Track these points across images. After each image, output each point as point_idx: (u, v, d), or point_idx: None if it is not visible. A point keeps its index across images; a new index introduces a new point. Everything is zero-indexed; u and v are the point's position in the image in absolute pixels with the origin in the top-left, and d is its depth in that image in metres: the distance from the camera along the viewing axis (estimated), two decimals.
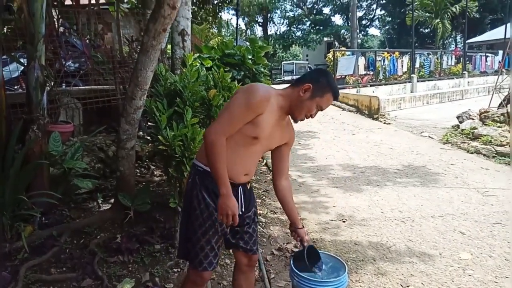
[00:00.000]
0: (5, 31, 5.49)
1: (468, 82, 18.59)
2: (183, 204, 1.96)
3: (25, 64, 3.63)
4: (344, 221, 3.87)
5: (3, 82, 3.39)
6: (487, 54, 21.97)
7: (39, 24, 3.38)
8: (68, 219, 3.41)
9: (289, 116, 1.88)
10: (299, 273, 2.00)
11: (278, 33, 38.05)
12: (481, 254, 3.14)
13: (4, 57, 4.14)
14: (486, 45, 26.57)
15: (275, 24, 39.22)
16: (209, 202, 1.81)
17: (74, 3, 7.62)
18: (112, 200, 3.65)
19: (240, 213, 1.87)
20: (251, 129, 1.74)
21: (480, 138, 6.92)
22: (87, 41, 6.42)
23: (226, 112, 1.74)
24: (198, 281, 1.92)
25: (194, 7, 11.03)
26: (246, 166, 1.87)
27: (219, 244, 1.90)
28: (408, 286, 2.71)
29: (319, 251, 2.11)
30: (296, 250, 3.20)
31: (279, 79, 31.01)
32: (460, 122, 8.17)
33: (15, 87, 5.38)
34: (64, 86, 5.26)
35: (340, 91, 14.02)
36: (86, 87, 5.56)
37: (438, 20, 24.80)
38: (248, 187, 1.97)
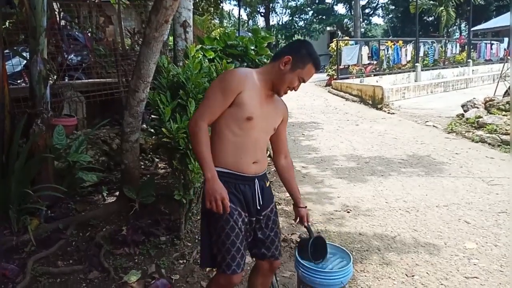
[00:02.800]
0: (6, 25, 5.49)
1: (473, 70, 18.41)
2: (201, 210, 1.86)
3: (28, 58, 3.63)
4: (348, 212, 3.87)
5: (6, 76, 3.39)
6: (492, 42, 21.67)
7: (41, 17, 3.37)
8: (74, 212, 3.43)
9: None
10: (304, 263, 2.01)
11: (280, 23, 37.66)
12: (486, 243, 3.14)
13: (7, 51, 4.15)
14: (492, 33, 26.20)
15: (277, 14, 38.88)
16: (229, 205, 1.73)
17: None
18: (117, 193, 3.67)
19: (258, 208, 1.83)
20: (239, 110, 1.70)
21: (485, 127, 6.87)
22: (88, 34, 6.39)
23: (204, 99, 1.75)
24: (228, 286, 1.79)
25: None
26: (251, 153, 1.79)
27: (244, 244, 1.80)
28: (413, 276, 2.72)
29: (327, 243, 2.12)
30: (302, 237, 3.21)
31: None
32: (465, 111, 8.10)
33: (18, 81, 5.39)
34: (67, 80, 5.26)
35: (344, 81, 14.02)
36: (89, 80, 5.56)
37: (442, 7, 24.44)
38: (267, 184, 1.92)
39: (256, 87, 1.74)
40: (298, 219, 2.11)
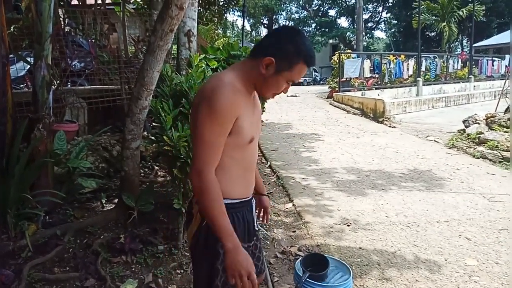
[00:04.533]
0: (11, 30, 5.53)
1: (474, 86, 18.50)
2: (197, 260, 1.54)
3: (32, 63, 3.64)
4: (348, 225, 3.84)
5: (10, 81, 3.40)
6: (493, 58, 21.83)
7: (47, 23, 3.39)
8: (72, 219, 3.41)
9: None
10: (302, 275, 1.98)
11: None
12: (487, 260, 3.10)
13: (11, 56, 4.17)
14: (493, 49, 26.41)
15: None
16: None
17: (80, 3, 7.66)
18: (116, 200, 3.65)
19: (256, 229, 1.63)
20: (239, 137, 1.39)
21: (486, 143, 6.86)
22: (93, 41, 6.44)
23: (199, 140, 1.34)
24: None
25: (199, 8, 11.05)
26: (252, 173, 1.59)
27: None
28: None
29: (325, 256, 2.09)
30: (300, 253, 3.18)
31: None
32: (466, 127, 8.11)
33: (21, 85, 5.41)
34: (69, 86, 5.28)
35: (345, 93, 14.07)
36: (92, 86, 5.58)
37: (444, 23, 24.68)
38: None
39: (246, 98, 1.43)
40: (261, 211, 1.87)
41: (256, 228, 1.64)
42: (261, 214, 1.89)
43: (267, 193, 1.93)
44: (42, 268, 2.70)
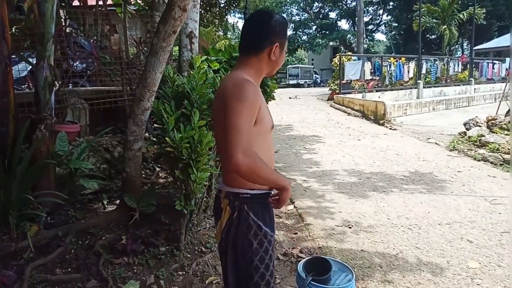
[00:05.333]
0: (13, 30, 5.53)
1: (475, 89, 18.52)
2: (226, 249, 1.59)
3: (34, 64, 3.64)
4: (350, 227, 3.83)
5: (12, 81, 3.40)
6: (494, 61, 21.87)
7: (49, 24, 3.39)
8: (74, 220, 3.40)
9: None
10: (305, 278, 1.98)
11: None
12: (490, 263, 3.10)
13: (13, 56, 4.17)
14: (493, 52, 26.45)
15: None
16: (266, 231, 1.55)
17: (82, 4, 7.67)
18: (118, 201, 3.64)
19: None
20: (261, 126, 1.53)
21: (488, 146, 6.87)
22: (95, 42, 6.44)
23: (236, 129, 1.42)
24: None
25: (201, 10, 11.06)
26: (272, 161, 1.69)
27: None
28: None
29: (327, 258, 2.08)
30: (302, 255, 3.18)
31: (284, 83, 31.07)
32: (467, 129, 8.11)
33: (23, 86, 5.41)
34: (71, 87, 5.28)
35: (346, 95, 14.12)
36: (93, 87, 5.58)
37: (445, 26, 24.70)
38: None
39: (259, 91, 1.58)
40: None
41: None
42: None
43: None
44: (44, 269, 2.69)
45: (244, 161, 1.39)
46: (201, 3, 10.66)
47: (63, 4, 6.83)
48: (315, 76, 34.74)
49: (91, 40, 6.33)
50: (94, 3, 8.04)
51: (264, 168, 1.46)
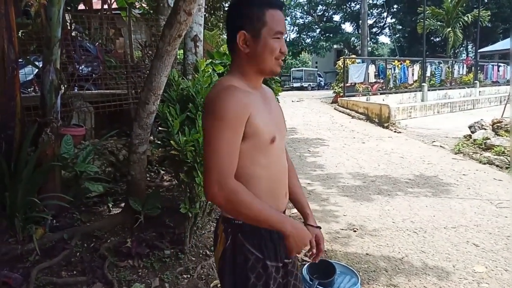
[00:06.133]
0: (20, 34, 5.59)
1: (480, 91, 18.44)
2: (223, 277, 1.35)
3: (40, 67, 3.67)
4: (355, 231, 3.82)
5: (19, 85, 3.42)
6: (499, 64, 21.76)
7: (56, 28, 3.42)
8: (79, 222, 3.41)
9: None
10: (311, 283, 1.97)
11: (287, 40, 38.10)
12: (496, 267, 3.07)
13: (20, 60, 4.20)
14: (499, 55, 26.32)
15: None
16: (266, 264, 1.31)
17: (87, 8, 7.73)
18: (122, 204, 3.65)
19: (286, 261, 1.41)
20: (256, 138, 1.26)
21: (493, 149, 6.82)
22: (100, 45, 6.49)
23: (210, 152, 1.21)
24: None
25: (205, 13, 11.11)
26: (283, 182, 1.41)
27: None
28: None
29: (332, 262, 2.08)
30: (306, 259, 3.17)
31: (288, 86, 31.08)
32: (472, 132, 8.07)
33: (28, 89, 5.45)
34: (76, 90, 5.32)
35: (350, 98, 14.12)
36: (99, 91, 5.61)
37: (449, 29, 24.64)
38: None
39: (252, 95, 1.29)
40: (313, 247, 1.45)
41: (286, 261, 1.41)
42: (313, 250, 1.45)
43: None
44: (49, 272, 2.70)
45: (219, 194, 1.18)
46: (206, 7, 10.71)
47: (69, 8, 6.89)
48: (319, 79, 34.73)
49: (96, 44, 6.38)
50: (99, 7, 8.11)
51: (248, 204, 1.19)
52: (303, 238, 1.27)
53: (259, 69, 1.31)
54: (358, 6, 32.65)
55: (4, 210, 2.98)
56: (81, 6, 8.03)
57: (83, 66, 5.64)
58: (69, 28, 6.29)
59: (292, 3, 36.33)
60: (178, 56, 6.79)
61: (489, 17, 25.68)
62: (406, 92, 16.03)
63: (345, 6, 36.12)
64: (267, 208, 1.23)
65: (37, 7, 5.33)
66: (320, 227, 1.54)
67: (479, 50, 22.48)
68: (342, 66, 15.74)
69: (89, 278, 2.67)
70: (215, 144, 1.20)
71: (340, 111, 13.93)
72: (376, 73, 16.31)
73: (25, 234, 2.95)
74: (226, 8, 12.86)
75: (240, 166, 1.25)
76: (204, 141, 1.24)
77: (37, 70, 4.87)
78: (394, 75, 16.34)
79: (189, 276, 2.83)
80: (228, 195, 1.19)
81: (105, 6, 8.29)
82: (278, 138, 1.32)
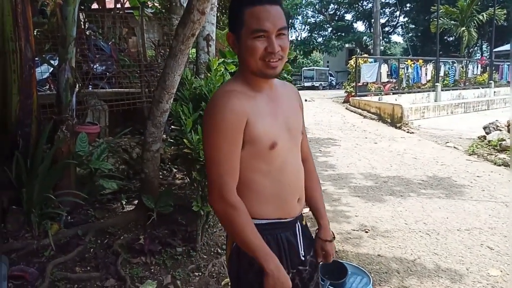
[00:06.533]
0: (35, 33, 5.68)
1: (495, 92, 18.13)
2: (232, 275, 1.36)
3: (56, 66, 3.73)
4: (366, 232, 3.80)
5: (36, 83, 3.49)
6: None
7: (71, 27, 3.47)
8: (93, 219, 3.46)
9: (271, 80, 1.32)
10: (323, 283, 1.97)
11: (299, 39, 38.04)
12: None
13: (36, 59, 4.28)
14: None
15: (296, 30, 39.22)
16: None
17: (100, 7, 7.83)
18: (136, 202, 3.69)
19: (302, 258, 1.37)
20: (255, 145, 1.23)
21: (508, 150, 6.71)
22: (114, 44, 6.56)
23: (209, 162, 1.21)
24: None
25: (217, 12, 11.14)
26: (294, 187, 1.35)
27: None
28: None
29: (343, 262, 2.07)
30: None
31: (299, 85, 31.01)
32: (487, 133, 7.95)
33: (44, 87, 5.55)
34: (91, 88, 5.39)
35: (362, 98, 14.00)
36: (113, 89, 5.68)
37: (463, 28, 24.26)
38: (304, 222, 1.45)
39: (252, 98, 1.24)
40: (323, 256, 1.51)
41: (302, 258, 1.37)
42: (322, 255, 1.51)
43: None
44: (64, 267, 2.75)
45: (218, 206, 1.20)
46: (218, 6, 10.74)
47: (83, 7, 6.97)
48: (330, 79, 34.58)
49: (110, 43, 6.45)
50: (112, 6, 8.20)
51: (241, 226, 1.19)
52: (282, 283, 1.21)
53: (251, 71, 1.24)
54: (370, 5, 32.36)
55: (21, 206, 3.04)
56: (95, 5, 8.13)
57: (97, 65, 5.71)
58: (83, 27, 6.37)
59: (304, 2, 36.19)
60: (190, 55, 6.83)
61: (505, 16, 25.20)
62: (419, 92, 15.84)
63: (357, 5, 35.84)
64: (258, 239, 1.21)
65: (53, 6, 5.41)
66: (331, 240, 1.51)
67: (494, 50, 22.10)
68: (354, 65, 15.62)
69: (102, 274, 2.71)
70: (215, 157, 1.20)
71: (351, 111, 13.84)
72: (389, 73, 16.15)
73: (41, 229, 3.00)
74: None
75: (240, 172, 1.24)
76: (204, 151, 1.24)
77: (52, 68, 4.95)
78: (407, 74, 16.16)
79: (200, 273, 2.85)
80: (226, 209, 1.19)
81: (118, 6, 8.38)
82: (282, 143, 1.27)
